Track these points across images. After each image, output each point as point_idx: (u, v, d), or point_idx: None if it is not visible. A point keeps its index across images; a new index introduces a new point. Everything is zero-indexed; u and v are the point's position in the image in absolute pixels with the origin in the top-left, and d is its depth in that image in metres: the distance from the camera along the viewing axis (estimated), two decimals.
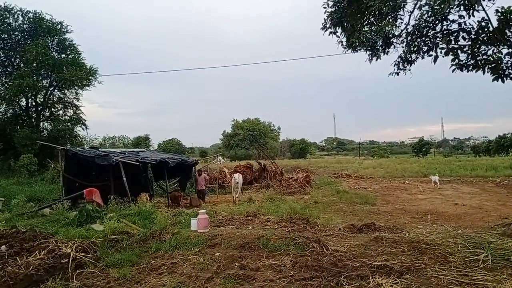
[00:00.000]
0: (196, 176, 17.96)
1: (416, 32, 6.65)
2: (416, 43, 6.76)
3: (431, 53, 6.52)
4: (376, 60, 7.42)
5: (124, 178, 13.66)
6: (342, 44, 7.68)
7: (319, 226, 9.48)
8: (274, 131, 75.26)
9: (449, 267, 5.60)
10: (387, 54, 7.30)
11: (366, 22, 7.36)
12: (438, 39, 6.45)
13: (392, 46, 7.20)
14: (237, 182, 16.80)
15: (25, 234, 7.80)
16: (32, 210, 12.61)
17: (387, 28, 6.80)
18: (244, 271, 5.87)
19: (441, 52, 6.35)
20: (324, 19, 7.45)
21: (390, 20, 6.87)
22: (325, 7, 7.34)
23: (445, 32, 6.40)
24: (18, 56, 30.25)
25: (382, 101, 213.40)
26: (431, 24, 6.56)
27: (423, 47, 6.68)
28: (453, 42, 6.28)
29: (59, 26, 31.35)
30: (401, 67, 7.18)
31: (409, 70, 7.17)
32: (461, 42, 6.28)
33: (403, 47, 7.15)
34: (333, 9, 7.28)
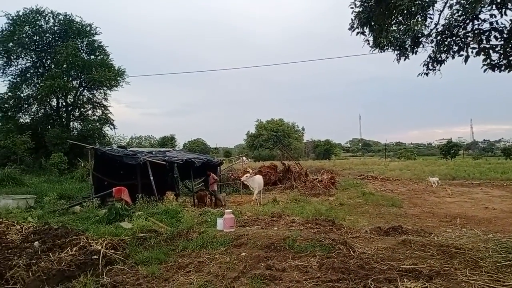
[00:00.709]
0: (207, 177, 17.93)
1: (446, 31, 6.52)
2: (446, 42, 6.62)
3: (462, 53, 6.38)
4: (405, 60, 7.31)
5: (151, 177, 13.90)
6: (369, 44, 7.60)
7: (345, 228, 9.39)
8: (298, 132, 75.01)
9: (479, 272, 5.49)
10: (415, 53, 7.18)
11: (394, 22, 7.26)
12: (469, 38, 6.31)
13: (421, 46, 7.07)
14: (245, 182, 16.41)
15: (57, 230, 8.04)
16: (63, 207, 12.97)
17: (416, 27, 6.69)
18: (270, 272, 5.89)
19: (472, 52, 6.21)
20: (352, 19, 7.38)
21: (419, 19, 6.76)
22: (352, 7, 7.29)
23: (476, 31, 6.25)
24: (49, 57, 31.15)
25: (409, 102, 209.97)
26: (461, 24, 6.42)
27: (454, 47, 6.54)
28: (484, 42, 6.13)
29: (89, 28, 32.17)
30: (431, 67, 7.04)
31: (439, 70, 7.04)
32: (493, 41, 6.11)
33: (432, 46, 7.01)
34: (360, 9, 7.21)
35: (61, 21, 31.15)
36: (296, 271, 5.92)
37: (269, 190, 21.07)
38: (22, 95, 30.96)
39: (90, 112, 34.55)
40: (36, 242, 7.34)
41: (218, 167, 20.03)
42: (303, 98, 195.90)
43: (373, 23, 7.20)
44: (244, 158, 37.05)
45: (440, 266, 5.79)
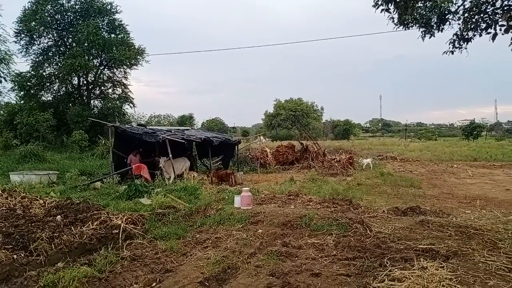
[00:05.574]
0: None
1: (474, 8, 6.29)
2: (473, 20, 6.40)
3: (489, 30, 6.16)
4: (430, 37, 7.09)
5: (170, 155, 14.05)
6: (394, 21, 7.38)
7: (362, 207, 9.38)
8: (317, 111, 74.44)
9: (498, 253, 5.42)
10: (441, 31, 6.96)
11: None
12: (497, 15, 6.08)
13: (448, 23, 6.85)
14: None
15: (79, 205, 8.28)
16: (85, 183, 13.28)
17: (443, 4, 6.47)
18: (286, 249, 5.96)
19: (500, 30, 5.98)
20: None
21: None
22: None
23: (505, 8, 6.02)
24: (70, 36, 31.33)
25: (432, 82, 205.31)
26: (490, 0, 6.19)
27: (481, 24, 6.31)
28: None
29: (109, 6, 32.16)
30: (457, 46, 6.82)
31: (465, 48, 6.82)
32: None
33: (459, 24, 6.79)
34: None
35: (82, 0, 31.21)
36: (312, 248, 5.97)
37: (286, 170, 21.14)
38: (44, 73, 31.35)
39: (110, 90, 34.86)
40: (59, 216, 7.57)
41: (236, 146, 20.10)
42: (323, 77, 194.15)
43: (398, 0, 6.98)
44: (261, 137, 36.98)
45: (457, 246, 5.75)
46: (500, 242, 5.90)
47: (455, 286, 4.31)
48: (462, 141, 48.45)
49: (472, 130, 53.69)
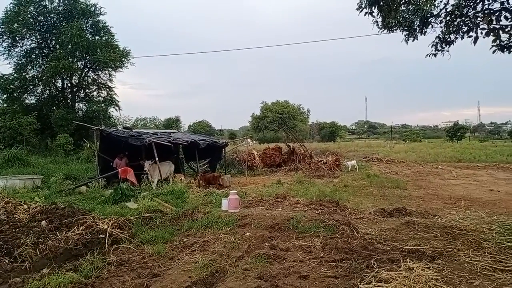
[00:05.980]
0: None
1: (456, 11, 6.38)
2: (455, 23, 6.50)
3: (471, 33, 6.25)
4: (413, 40, 7.20)
5: (157, 158, 13.96)
6: (378, 24, 7.47)
7: (349, 209, 9.46)
8: (304, 114, 74.69)
9: (482, 253, 5.52)
10: (424, 34, 7.06)
11: (403, 1, 7.14)
12: (478, 19, 6.19)
13: (430, 26, 6.95)
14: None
15: (64, 210, 8.15)
16: (70, 187, 13.10)
17: (425, 7, 6.56)
18: (274, 251, 5.97)
19: (481, 33, 6.09)
20: None
21: None
22: None
23: (486, 11, 6.13)
24: (54, 38, 30.92)
25: (417, 84, 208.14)
26: (471, 3, 6.29)
27: (463, 27, 6.41)
28: (494, 22, 6.01)
29: (93, 8, 31.86)
30: (439, 48, 6.93)
31: (447, 51, 6.93)
32: (503, 22, 5.99)
33: (441, 27, 6.89)
34: None
35: (66, 1, 30.82)
36: (300, 251, 5.98)
37: (273, 172, 21.18)
38: (27, 76, 30.85)
39: (95, 93, 34.47)
40: (43, 221, 7.44)
41: (223, 149, 20.07)
42: (310, 79, 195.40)
43: (381, 3, 7.06)
44: (249, 140, 36.96)
45: (443, 247, 5.83)
46: (484, 242, 6.01)
47: (441, 286, 4.37)
48: (447, 143, 49.11)
49: (456, 132, 54.61)
